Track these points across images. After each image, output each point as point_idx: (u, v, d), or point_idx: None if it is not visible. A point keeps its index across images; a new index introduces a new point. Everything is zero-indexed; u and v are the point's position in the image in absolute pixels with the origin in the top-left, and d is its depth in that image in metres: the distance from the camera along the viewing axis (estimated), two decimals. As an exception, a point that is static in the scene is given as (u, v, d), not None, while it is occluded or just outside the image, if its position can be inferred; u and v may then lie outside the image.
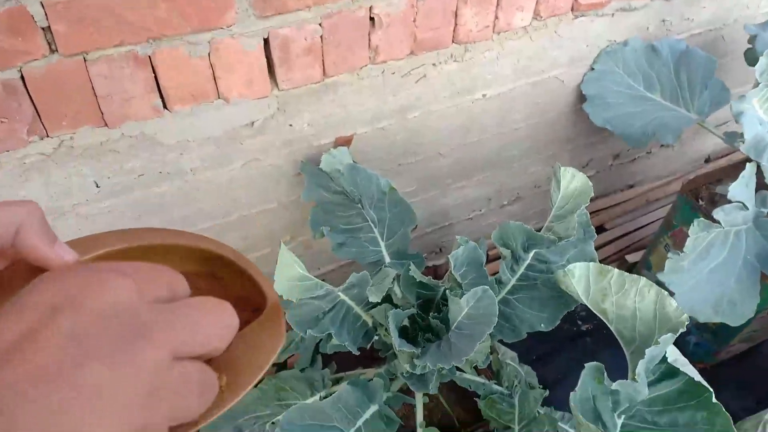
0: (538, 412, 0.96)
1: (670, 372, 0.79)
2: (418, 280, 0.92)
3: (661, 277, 1.02)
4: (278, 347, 0.33)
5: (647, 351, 0.72)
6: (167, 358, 0.24)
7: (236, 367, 0.31)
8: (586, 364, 0.75)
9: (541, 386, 1.18)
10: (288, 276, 0.86)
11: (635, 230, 1.75)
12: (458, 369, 1.05)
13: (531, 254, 0.99)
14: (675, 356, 0.78)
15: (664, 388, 0.78)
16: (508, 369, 1.08)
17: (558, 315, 0.98)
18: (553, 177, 1.01)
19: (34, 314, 0.22)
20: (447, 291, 0.92)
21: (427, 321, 0.94)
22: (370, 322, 1.00)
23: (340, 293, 0.93)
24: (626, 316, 0.81)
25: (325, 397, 1.07)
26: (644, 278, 0.82)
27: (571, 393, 0.74)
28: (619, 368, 1.43)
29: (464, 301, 0.82)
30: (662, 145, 1.81)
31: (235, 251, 0.38)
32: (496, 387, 1.05)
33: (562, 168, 1.00)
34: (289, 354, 1.14)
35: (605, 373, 0.74)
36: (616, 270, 0.85)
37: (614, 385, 0.72)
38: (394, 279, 0.91)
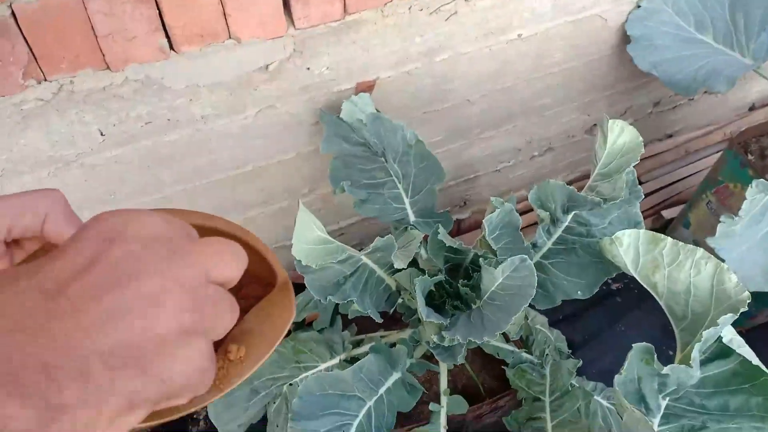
0: (572, 384, 0.90)
1: (723, 352, 0.72)
2: (447, 245, 0.85)
3: (711, 242, 0.94)
4: (289, 321, 0.35)
5: (704, 333, 0.65)
6: (203, 277, 0.28)
7: (252, 339, 0.33)
8: (634, 345, 0.68)
9: (569, 351, 1.13)
10: (307, 239, 0.79)
11: (672, 183, 1.65)
12: (486, 335, 0.99)
13: (570, 216, 0.91)
14: (731, 335, 0.70)
15: (715, 368, 0.72)
16: (539, 336, 1.02)
17: (597, 282, 0.90)
18: (599, 130, 0.91)
19: (93, 244, 0.26)
20: (479, 257, 0.85)
21: (456, 288, 0.88)
22: (393, 286, 0.94)
23: (363, 257, 0.87)
24: (679, 291, 0.74)
25: (345, 361, 1.03)
26: (701, 249, 0.74)
27: (616, 376, 0.67)
28: (650, 328, 1.39)
29: (499, 271, 0.75)
30: (705, 92, 1.68)
31: (245, 229, 0.39)
32: (525, 355, 1.00)
33: (610, 120, 0.90)
34: (308, 312, 1.09)
35: (655, 355, 0.68)
36: (670, 239, 0.77)
37: (665, 369, 0.65)
38: (420, 242, 0.84)
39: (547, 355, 1.00)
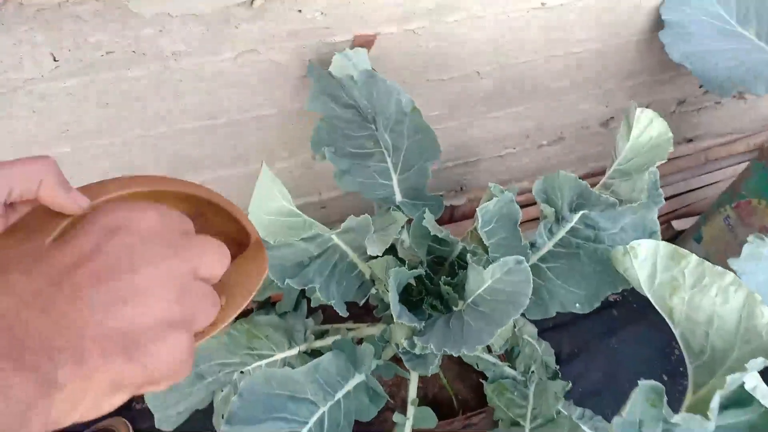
0: (558, 411, 0.79)
1: (741, 399, 0.60)
2: (432, 234, 0.72)
3: (733, 264, 0.82)
4: (263, 274, 0.38)
5: (729, 378, 0.53)
6: (191, 273, 0.31)
7: (231, 291, 0.36)
8: (640, 382, 0.56)
9: (556, 366, 1.01)
10: (268, 208, 0.66)
11: (687, 192, 1.52)
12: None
13: (577, 216, 0.78)
14: (755, 382, 0.59)
15: (731, 418, 0.60)
16: (526, 348, 0.90)
17: (599, 295, 0.78)
18: (623, 120, 0.78)
19: (97, 235, 0.29)
20: (467, 252, 0.72)
21: (437, 285, 0.75)
22: (367, 274, 0.82)
23: (333, 237, 0.74)
24: (699, 320, 0.61)
25: (305, 353, 0.91)
26: (732, 274, 0.62)
27: (615, 418, 0.56)
28: (647, 348, 1.28)
29: (489, 272, 0.62)
30: (735, 96, 1.54)
31: (219, 195, 0.41)
32: (508, 370, 0.88)
33: (638, 109, 0.77)
34: (273, 291, 0.97)
35: (665, 398, 0.56)
36: (695, 256, 0.64)
37: (675, 418, 0.53)
38: (402, 226, 0.72)
39: (532, 372, 0.88)
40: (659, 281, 0.64)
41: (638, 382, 0.55)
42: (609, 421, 0.61)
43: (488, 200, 0.70)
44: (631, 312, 1.37)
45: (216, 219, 0.41)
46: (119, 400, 0.28)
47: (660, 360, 1.26)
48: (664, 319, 0.66)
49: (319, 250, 0.74)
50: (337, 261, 0.76)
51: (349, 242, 0.76)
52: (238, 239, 0.40)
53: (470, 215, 1.43)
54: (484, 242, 0.68)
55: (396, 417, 0.86)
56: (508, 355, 0.93)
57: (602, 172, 0.89)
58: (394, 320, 0.70)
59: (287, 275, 0.70)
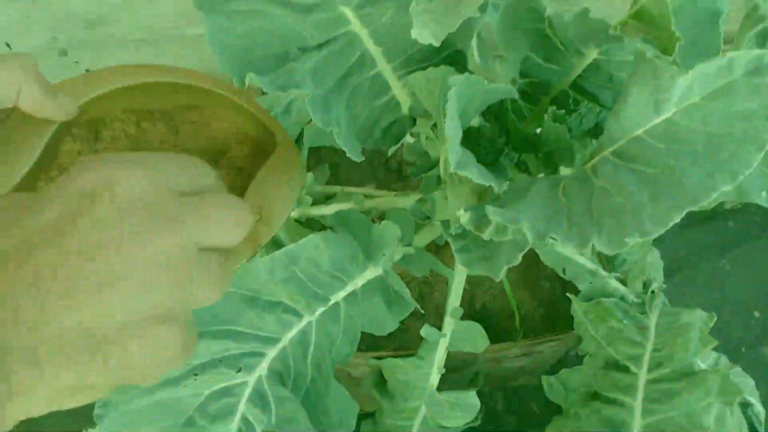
0: (697, 363, 0.46)
1: None
2: (545, 17, 0.36)
3: None
4: (302, 180, 0.35)
5: None
6: (187, 246, 0.25)
7: (265, 206, 0.32)
8: None
9: (663, 285, 0.67)
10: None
11: None
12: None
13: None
14: None
15: None
16: (639, 257, 0.57)
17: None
18: None
19: (72, 201, 0.24)
20: (610, 61, 0.36)
21: (536, 120, 0.40)
22: (405, 106, 0.48)
23: (349, 13, 0.39)
24: None
25: (297, 221, 0.60)
26: None
27: None
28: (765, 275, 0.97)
29: (686, 81, 0.27)
30: None
31: (227, 85, 0.36)
32: (615, 284, 0.55)
33: None
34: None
35: None
36: None
37: None
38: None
39: (653, 293, 0.55)
40: None
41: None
42: None
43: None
44: (749, 225, 1.02)
45: (218, 112, 0.35)
46: (87, 399, 0.24)
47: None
48: None
49: (322, 37, 0.39)
50: (353, 68, 0.42)
51: (379, 33, 0.41)
52: (253, 135, 0.36)
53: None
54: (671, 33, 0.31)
55: (425, 330, 0.55)
56: (609, 262, 0.60)
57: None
58: (449, 174, 0.36)
59: (254, 68, 0.36)
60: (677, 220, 0.28)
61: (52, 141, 0.32)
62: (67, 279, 0.23)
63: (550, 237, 0.31)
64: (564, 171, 0.38)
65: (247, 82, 0.37)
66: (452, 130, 0.34)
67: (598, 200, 0.32)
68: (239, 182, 0.36)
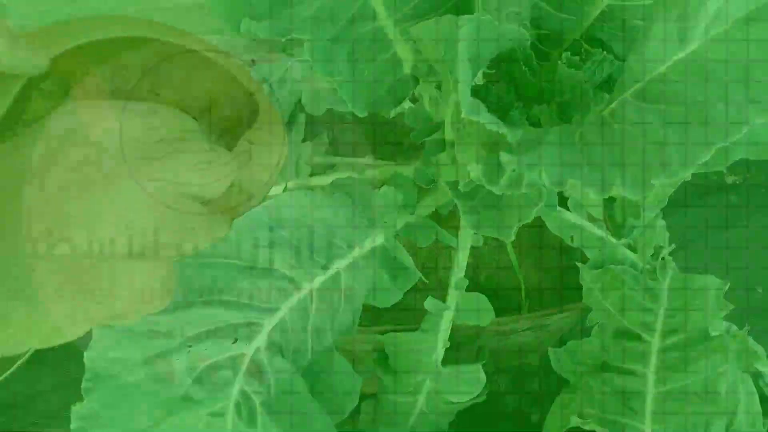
0: (711, 331, 0.45)
1: None
2: None
3: None
4: (286, 147, 0.33)
5: None
6: (169, 190, 0.25)
7: (249, 171, 0.31)
8: None
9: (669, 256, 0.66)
10: None
11: None
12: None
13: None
14: None
15: None
16: (647, 223, 0.55)
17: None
18: None
19: (53, 143, 0.24)
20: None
21: (549, 72, 0.38)
22: (407, 64, 0.46)
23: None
24: None
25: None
26: None
27: None
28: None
29: (714, 7, 0.25)
30: None
31: (213, 46, 0.34)
32: (625, 251, 0.53)
33: None
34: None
35: None
36: None
37: None
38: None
39: (663, 259, 0.53)
40: None
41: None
42: None
43: None
44: (753, 199, 1.01)
45: (197, 73, 0.33)
46: (81, 330, 0.26)
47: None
48: None
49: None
50: (354, 18, 0.40)
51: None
52: (233, 99, 0.34)
53: None
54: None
55: (429, 303, 0.54)
56: (617, 228, 0.58)
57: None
58: (458, 129, 0.35)
59: (251, 12, 0.34)
60: (707, 157, 0.27)
61: (20, 96, 0.30)
62: (53, 214, 0.23)
63: (570, 181, 0.29)
64: (579, 119, 0.37)
65: (242, 29, 0.34)
66: (464, 73, 0.32)
67: (620, 143, 0.30)
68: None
